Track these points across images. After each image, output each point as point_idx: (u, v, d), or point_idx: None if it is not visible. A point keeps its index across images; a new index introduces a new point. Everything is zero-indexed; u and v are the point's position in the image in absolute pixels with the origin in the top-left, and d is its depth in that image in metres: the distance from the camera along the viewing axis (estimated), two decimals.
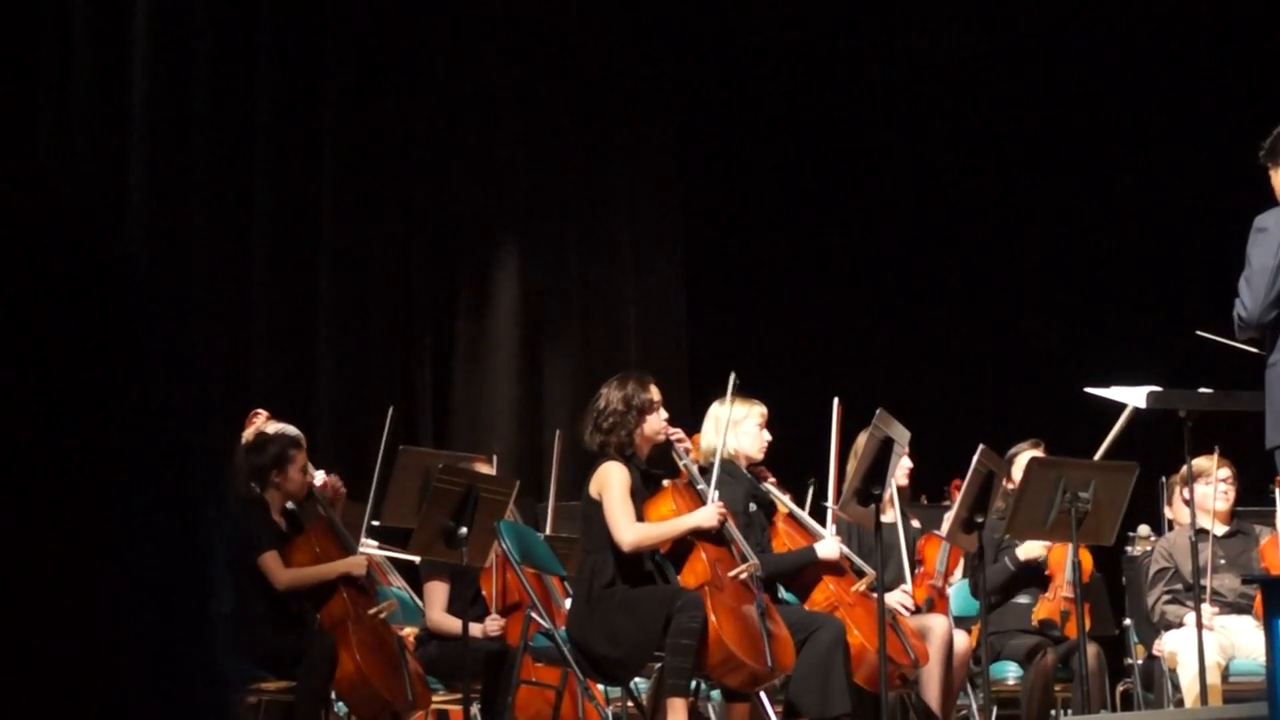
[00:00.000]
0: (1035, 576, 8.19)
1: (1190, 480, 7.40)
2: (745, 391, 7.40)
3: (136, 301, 0.81)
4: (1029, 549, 8.09)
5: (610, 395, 6.84)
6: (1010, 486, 7.67)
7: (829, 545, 7.29)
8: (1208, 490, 8.07)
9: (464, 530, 6.68)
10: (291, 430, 7.46)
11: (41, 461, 0.75)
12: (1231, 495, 8.15)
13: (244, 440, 7.52)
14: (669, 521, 6.76)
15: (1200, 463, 7.86)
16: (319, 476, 7.57)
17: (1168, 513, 8.53)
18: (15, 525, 0.74)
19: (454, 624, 7.27)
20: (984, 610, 7.42)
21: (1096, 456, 7.79)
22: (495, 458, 8.54)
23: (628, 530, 6.63)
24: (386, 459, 7.86)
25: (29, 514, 0.74)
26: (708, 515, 6.76)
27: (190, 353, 0.83)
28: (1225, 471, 8.11)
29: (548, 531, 8.42)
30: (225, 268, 10.56)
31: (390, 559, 8.20)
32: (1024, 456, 7.92)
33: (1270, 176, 6.27)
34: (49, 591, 0.74)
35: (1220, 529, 8.17)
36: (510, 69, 11.70)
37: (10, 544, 0.74)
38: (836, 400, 7.58)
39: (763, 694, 6.87)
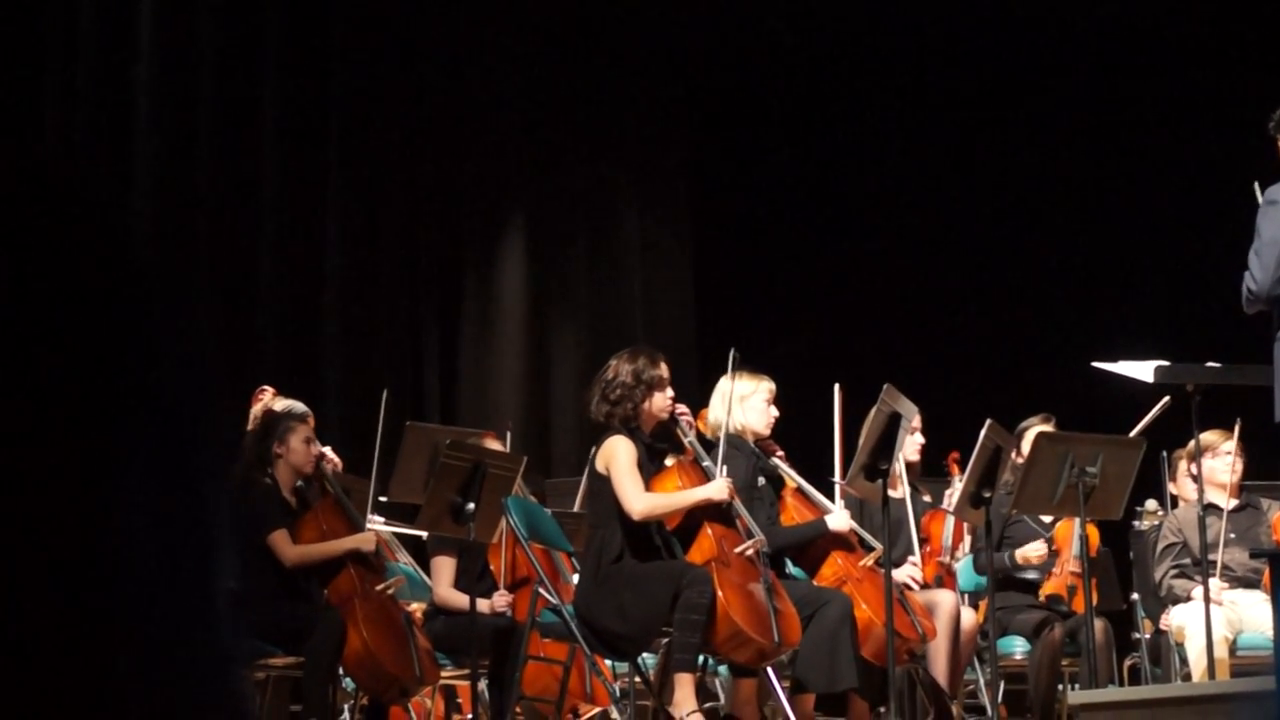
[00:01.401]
0: (1031, 584, 8.22)
1: (1198, 454, 7.39)
2: (752, 368, 7.39)
3: (141, 283, 0.81)
4: (1025, 555, 8.11)
5: (620, 367, 6.83)
6: (1020, 460, 7.66)
7: (839, 518, 7.29)
8: (1215, 464, 8.06)
9: (471, 506, 6.69)
10: (298, 406, 7.47)
11: (47, 440, 0.75)
12: (1239, 468, 8.14)
13: (252, 418, 7.53)
14: (679, 492, 6.77)
15: (1207, 437, 7.85)
16: (326, 452, 7.58)
17: (1171, 488, 8.53)
18: (22, 503, 0.74)
19: (461, 599, 7.27)
20: (991, 585, 7.43)
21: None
22: (509, 434, 8.54)
23: (638, 499, 6.62)
24: (386, 437, 7.85)
25: (35, 492, 0.75)
26: (718, 488, 6.76)
27: (194, 334, 0.83)
28: (1230, 444, 8.10)
29: (575, 508, 8.41)
30: (232, 245, 10.56)
31: (397, 535, 8.21)
32: (1034, 431, 7.91)
33: (1278, 147, 6.27)
34: (56, 569, 0.75)
35: (1227, 501, 8.15)
36: (519, 45, 11.68)
37: (17, 522, 0.74)
38: (838, 387, 7.58)
39: (770, 669, 6.87)
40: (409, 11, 11.40)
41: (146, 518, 0.78)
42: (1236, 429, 8.04)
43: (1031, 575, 8.22)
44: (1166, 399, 7.63)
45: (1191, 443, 7.54)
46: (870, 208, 12.19)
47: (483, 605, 7.16)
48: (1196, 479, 7.46)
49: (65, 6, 10.22)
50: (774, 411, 7.38)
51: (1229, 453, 8.08)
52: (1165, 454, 8.38)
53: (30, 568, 0.75)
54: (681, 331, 11.69)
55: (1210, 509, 7.68)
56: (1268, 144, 6.35)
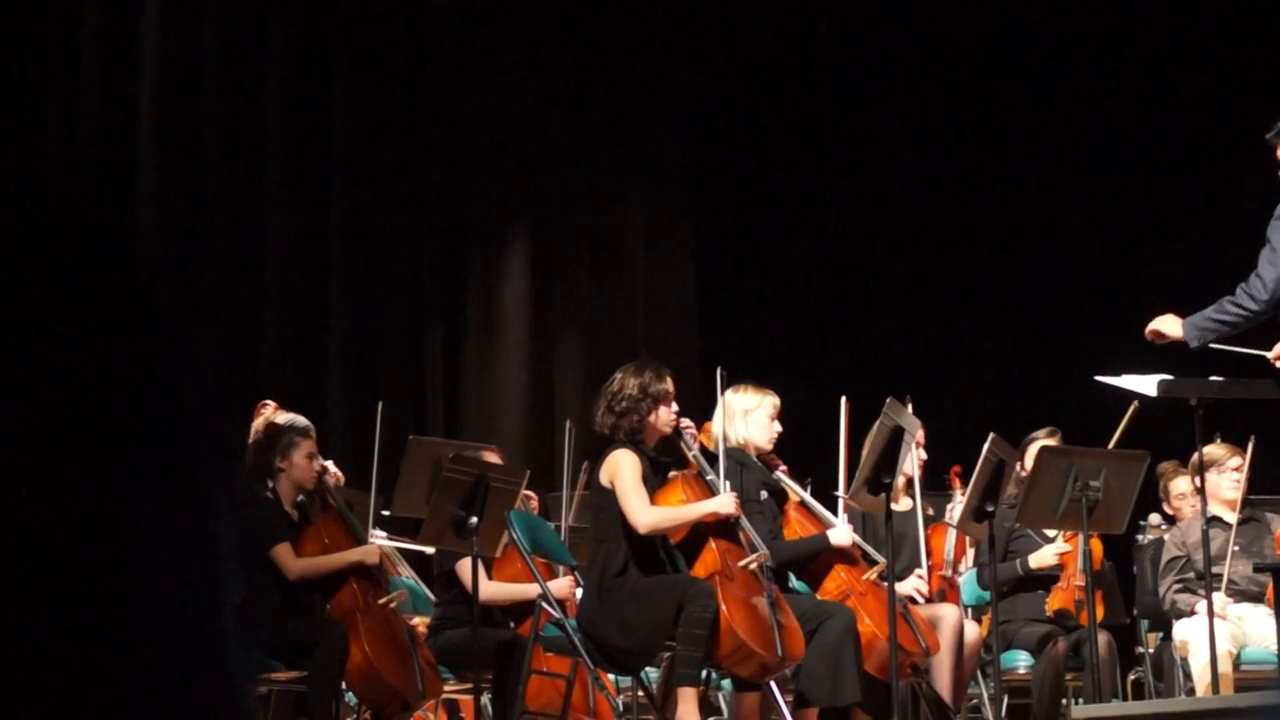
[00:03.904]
0: (1045, 581, 8.18)
1: (1202, 469, 7.38)
2: (757, 382, 7.39)
3: (146, 296, 0.81)
4: (1041, 558, 8.08)
5: (626, 380, 6.83)
6: (1024, 474, 7.65)
7: (842, 532, 7.29)
8: (1221, 480, 8.05)
9: (474, 520, 6.68)
10: (300, 420, 7.46)
11: (52, 454, 0.75)
12: (1243, 485, 8.11)
13: (254, 432, 7.52)
14: (686, 506, 6.76)
15: (1212, 451, 7.84)
16: (329, 466, 7.58)
17: (1164, 508, 8.54)
18: (28, 517, 0.74)
19: (510, 590, 7.31)
20: (994, 599, 7.42)
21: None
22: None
23: (644, 513, 6.61)
24: (385, 448, 7.86)
25: (41, 506, 0.74)
26: (725, 501, 6.75)
27: (199, 346, 0.83)
28: (1237, 460, 8.09)
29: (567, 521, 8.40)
30: (237, 259, 10.57)
31: (400, 549, 8.21)
32: (1039, 445, 7.90)
33: (1277, 156, 6.35)
34: (61, 583, 0.74)
35: (1231, 516, 8.14)
36: (520, 57, 11.69)
37: (22, 535, 0.74)
38: (844, 399, 7.57)
39: (773, 683, 6.87)
40: (412, 19, 11.41)
41: (152, 531, 0.78)
42: (1250, 448, 8.03)
43: (1051, 563, 8.16)
44: (1135, 403, 7.64)
45: (1195, 456, 7.53)
46: (874, 219, 12.19)
47: (551, 585, 7.06)
48: (1200, 491, 7.45)
49: (68, 14, 10.23)
50: (778, 427, 7.37)
51: (1236, 469, 8.06)
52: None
53: (34, 581, 0.75)
54: (684, 343, 11.69)
55: (1214, 522, 7.68)
56: (1267, 152, 6.39)
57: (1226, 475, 8.05)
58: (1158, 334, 6.83)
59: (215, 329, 9.97)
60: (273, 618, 6.78)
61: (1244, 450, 8.14)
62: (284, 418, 7.56)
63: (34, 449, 0.75)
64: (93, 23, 10.26)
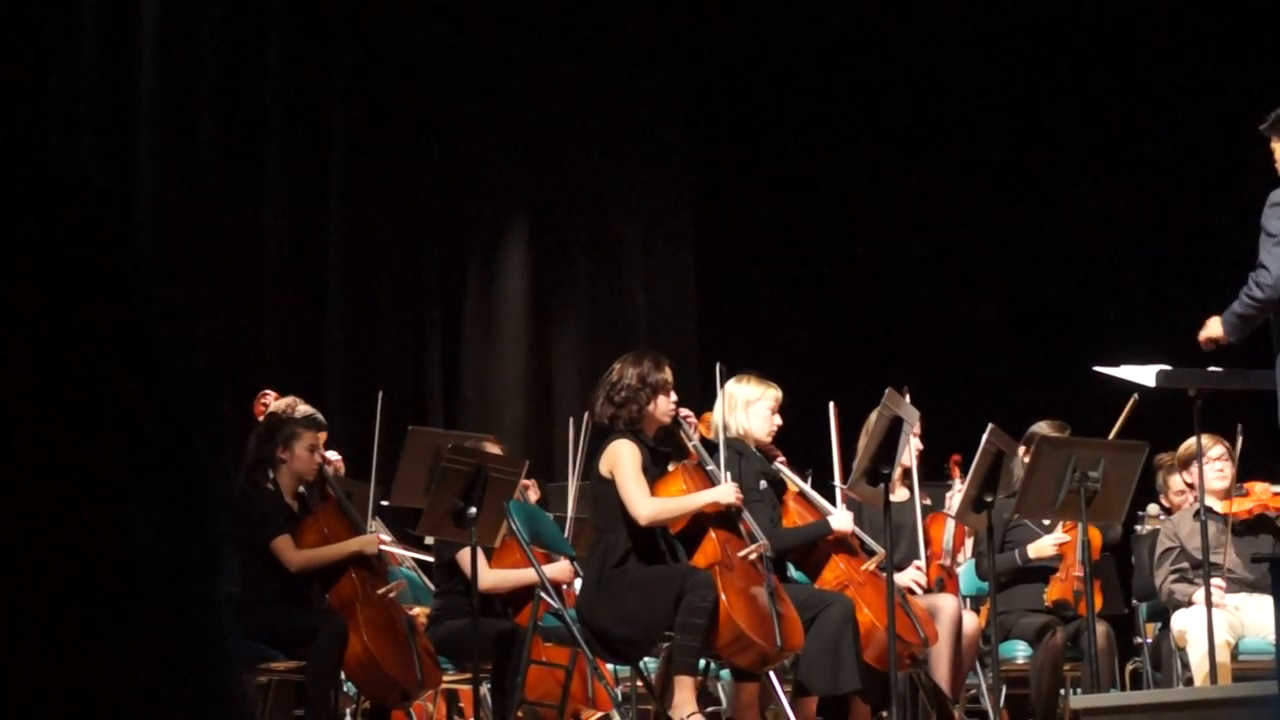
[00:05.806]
0: (1044, 572, 8.18)
1: (1200, 457, 7.38)
2: (760, 374, 7.39)
3: (141, 286, 0.81)
4: (1039, 548, 8.08)
5: (626, 370, 6.82)
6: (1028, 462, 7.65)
7: (842, 518, 7.28)
8: (1206, 470, 8.04)
9: (473, 510, 6.68)
10: (319, 416, 7.45)
11: (47, 443, 0.75)
12: (1228, 473, 8.09)
13: (259, 422, 7.51)
14: (686, 496, 6.75)
15: (1193, 442, 7.85)
16: (331, 456, 7.58)
17: (1162, 500, 8.54)
18: (21, 506, 0.74)
19: (515, 576, 7.31)
20: (993, 590, 7.42)
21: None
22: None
23: (643, 504, 6.61)
24: (384, 438, 7.86)
25: (35, 494, 0.75)
26: (726, 491, 6.74)
27: (195, 335, 0.83)
28: (1219, 450, 8.07)
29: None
30: (235, 247, 10.56)
31: (399, 541, 8.22)
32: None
33: (1272, 147, 6.36)
34: (56, 572, 0.75)
35: (1222, 505, 8.13)
36: (519, 44, 11.69)
37: (16, 525, 0.74)
38: (832, 404, 7.57)
39: (772, 673, 6.87)
40: (411, 13, 11.40)
41: (147, 521, 0.78)
42: (1239, 442, 8.02)
43: (1050, 554, 8.16)
44: (1135, 396, 7.65)
45: (1186, 443, 7.53)
46: (873, 213, 12.18)
47: (551, 570, 7.07)
48: (1193, 485, 7.46)
49: (68, 6, 10.22)
50: (778, 420, 7.35)
51: (1219, 458, 8.05)
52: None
53: (29, 572, 0.75)
54: (682, 335, 11.69)
55: (1207, 512, 7.67)
56: (1262, 144, 6.40)
57: (1210, 465, 8.04)
58: (1210, 340, 6.79)
59: (214, 319, 9.97)
60: (272, 607, 6.78)
61: (1225, 439, 8.11)
62: (303, 409, 7.55)
63: (28, 442, 0.75)
64: (92, 12, 10.25)
